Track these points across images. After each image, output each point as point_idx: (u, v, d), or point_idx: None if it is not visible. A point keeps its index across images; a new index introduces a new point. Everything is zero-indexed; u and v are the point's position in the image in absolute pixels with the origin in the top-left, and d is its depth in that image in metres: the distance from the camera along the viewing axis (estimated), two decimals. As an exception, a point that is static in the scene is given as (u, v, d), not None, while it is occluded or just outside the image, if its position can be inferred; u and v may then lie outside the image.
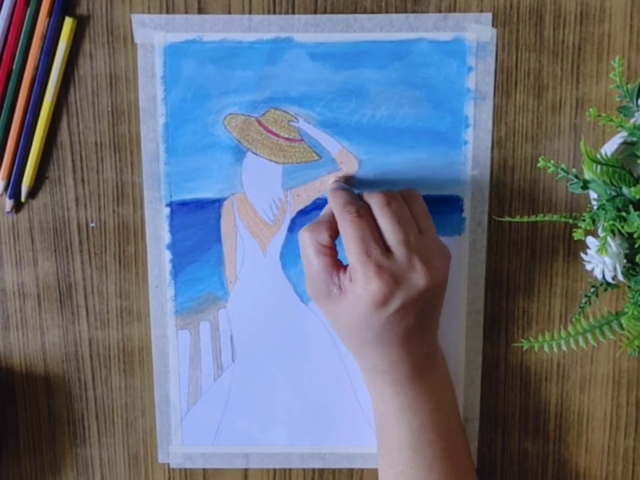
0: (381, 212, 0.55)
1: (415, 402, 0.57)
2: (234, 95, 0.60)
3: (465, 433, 0.61)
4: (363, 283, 0.53)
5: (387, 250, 0.54)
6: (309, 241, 0.56)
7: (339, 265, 0.56)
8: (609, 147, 0.56)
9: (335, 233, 0.56)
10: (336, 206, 0.56)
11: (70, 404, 0.64)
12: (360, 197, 0.57)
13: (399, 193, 0.57)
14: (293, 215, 0.61)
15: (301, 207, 0.61)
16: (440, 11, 0.59)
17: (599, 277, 0.54)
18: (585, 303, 0.58)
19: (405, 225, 0.55)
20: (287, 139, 0.60)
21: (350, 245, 0.54)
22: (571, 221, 0.58)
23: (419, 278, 0.54)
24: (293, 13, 0.59)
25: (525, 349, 0.59)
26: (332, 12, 0.59)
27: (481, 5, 0.59)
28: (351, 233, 0.54)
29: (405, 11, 0.59)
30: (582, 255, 0.56)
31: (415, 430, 0.57)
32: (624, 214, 0.52)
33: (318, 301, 0.57)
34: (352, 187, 0.60)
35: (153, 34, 0.59)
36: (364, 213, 0.54)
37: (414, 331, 0.55)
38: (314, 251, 0.55)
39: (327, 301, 0.56)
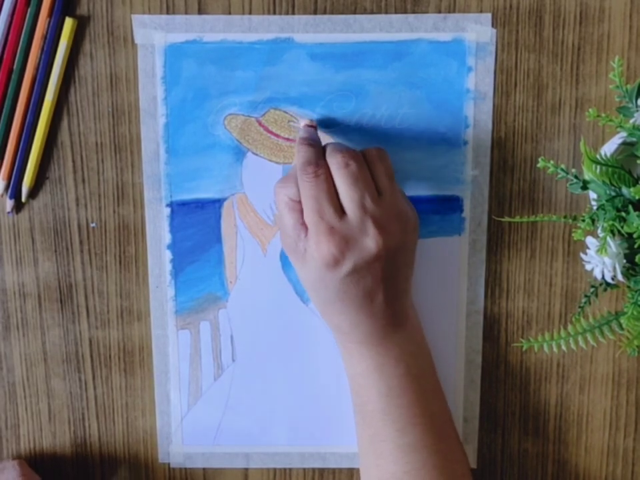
0: (338, 172, 0.54)
1: (382, 365, 0.57)
2: (234, 95, 0.60)
3: (444, 398, 0.60)
4: (314, 244, 0.54)
5: (342, 212, 0.54)
6: (280, 196, 0.56)
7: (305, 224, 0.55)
8: (609, 147, 0.57)
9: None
10: (297, 163, 0.55)
11: (70, 404, 0.64)
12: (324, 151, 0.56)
13: (363, 153, 0.56)
14: (293, 215, 0.61)
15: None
16: (440, 12, 0.59)
17: (599, 277, 0.54)
18: (585, 302, 0.58)
19: (361, 186, 0.54)
20: (287, 139, 0.61)
21: (305, 205, 0.54)
22: (570, 221, 0.58)
23: (369, 242, 0.53)
24: (293, 13, 0.59)
25: (524, 348, 0.59)
26: (332, 12, 0.59)
27: (481, 5, 0.59)
28: (307, 193, 0.54)
29: (405, 11, 0.59)
30: (582, 255, 0.56)
31: (383, 394, 0.57)
32: (623, 214, 0.52)
33: (289, 256, 0.57)
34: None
35: (153, 34, 0.59)
36: (321, 173, 0.54)
37: (375, 293, 0.55)
38: (285, 206, 0.55)
39: (294, 257, 0.56)
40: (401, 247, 0.55)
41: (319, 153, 0.55)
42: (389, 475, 0.57)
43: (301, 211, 0.55)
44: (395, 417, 0.57)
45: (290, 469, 0.65)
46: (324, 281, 0.55)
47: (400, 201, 0.56)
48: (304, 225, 0.55)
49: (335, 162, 0.54)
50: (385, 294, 0.55)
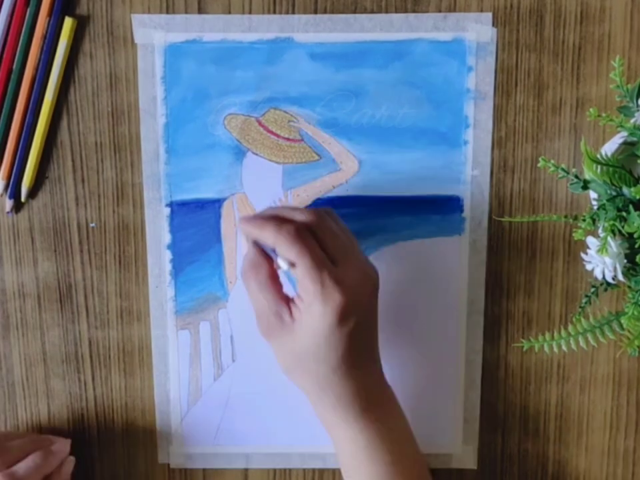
0: (320, 227, 0.53)
1: (384, 434, 0.55)
2: (234, 95, 0.60)
3: (423, 456, 0.59)
4: (321, 300, 0.51)
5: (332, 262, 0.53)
6: (253, 282, 0.54)
7: (286, 297, 0.54)
8: (609, 147, 0.56)
9: (272, 267, 0.54)
10: (266, 229, 0.53)
11: (69, 404, 0.64)
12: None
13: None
14: (293, 215, 0.61)
15: (301, 207, 0.61)
16: (440, 11, 0.59)
17: (599, 276, 0.54)
18: (585, 303, 0.58)
19: (342, 236, 0.54)
20: (287, 138, 0.60)
21: (300, 266, 0.51)
22: (571, 221, 0.58)
23: (368, 283, 0.53)
24: (293, 13, 0.59)
25: (524, 349, 0.59)
26: (332, 12, 0.59)
27: (481, 4, 0.59)
28: (298, 253, 0.51)
29: (405, 11, 0.59)
30: (582, 254, 0.56)
31: (388, 463, 0.55)
32: (624, 214, 0.52)
33: (270, 336, 0.54)
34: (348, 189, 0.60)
35: (153, 34, 0.59)
36: (303, 228, 0.52)
37: (367, 349, 0.55)
38: (260, 288, 0.54)
39: (280, 333, 0.54)
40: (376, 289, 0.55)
41: (287, 215, 0.54)
42: None
43: (277, 286, 0.54)
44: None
45: (290, 469, 0.65)
46: (329, 343, 0.52)
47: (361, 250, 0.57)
48: (284, 298, 0.54)
49: (311, 219, 0.53)
50: (377, 339, 0.56)
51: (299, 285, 0.53)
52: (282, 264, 0.53)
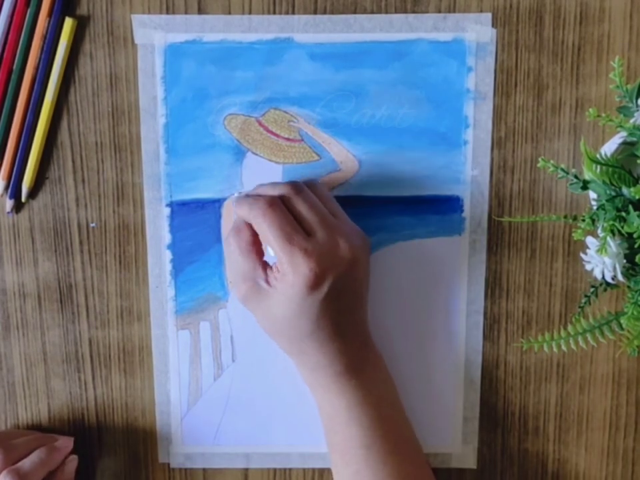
0: (294, 199, 0.55)
1: (362, 398, 0.57)
2: (234, 95, 0.60)
3: (410, 424, 0.60)
4: (291, 270, 0.53)
5: (307, 234, 0.54)
6: (234, 244, 0.56)
7: (265, 263, 0.56)
8: (609, 147, 0.56)
9: (255, 235, 0.56)
10: (243, 206, 0.55)
11: (70, 404, 0.64)
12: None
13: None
14: (293, 215, 0.61)
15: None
16: (440, 11, 0.59)
17: (599, 277, 0.54)
18: (585, 302, 0.58)
19: (319, 207, 0.55)
20: (287, 139, 0.61)
21: (270, 238, 0.53)
22: (570, 221, 0.58)
23: (344, 253, 0.54)
24: (293, 13, 0.59)
25: (524, 348, 0.59)
26: (332, 12, 0.59)
27: (481, 5, 0.59)
28: (268, 225, 0.53)
29: (405, 11, 0.59)
30: (582, 255, 0.56)
31: (365, 427, 0.57)
32: (624, 214, 0.52)
33: (248, 300, 0.56)
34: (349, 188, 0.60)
35: (153, 34, 0.59)
36: (274, 202, 0.54)
37: (347, 317, 0.55)
38: (240, 252, 0.55)
39: (256, 302, 0.56)
40: (364, 259, 0.56)
41: (265, 192, 0.56)
42: None
43: (257, 252, 0.56)
44: (377, 449, 0.57)
45: (290, 469, 0.65)
46: (304, 308, 0.54)
47: (351, 222, 0.57)
48: (262, 265, 0.55)
49: (286, 191, 0.55)
50: (353, 317, 0.56)
51: (274, 254, 0.54)
52: (268, 250, 0.56)
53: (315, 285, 0.53)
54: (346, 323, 0.56)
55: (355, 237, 0.56)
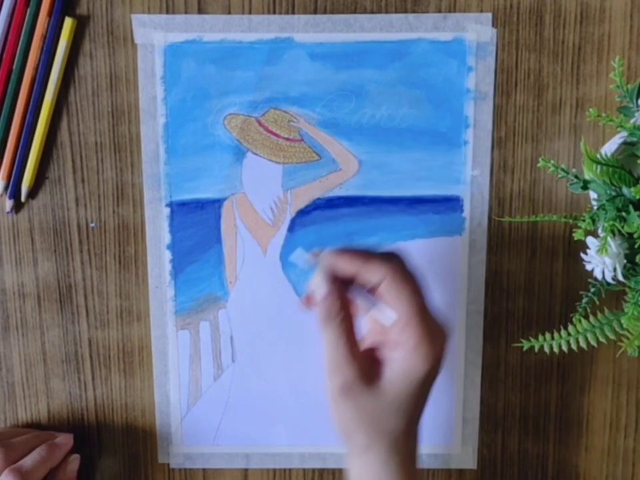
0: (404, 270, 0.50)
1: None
2: (234, 95, 0.60)
3: None
4: (429, 342, 0.48)
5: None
6: (331, 329, 0.50)
7: (370, 349, 0.51)
8: (609, 147, 0.56)
9: (352, 315, 0.51)
10: (377, 266, 0.49)
11: (69, 404, 0.64)
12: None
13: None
14: (293, 215, 0.61)
15: (301, 207, 0.61)
16: (440, 11, 0.59)
17: (599, 277, 0.54)
18: (585, 303, 0.58)
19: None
20: (287, 139, 0.60)
21: (408, 305, 0.49)
22: (571, 221, 0.58)
23: (443, 335, 0.51)
24: (293, 13, 0.59)
25: (524, 349, 0.59)
26: (332, 12, 0.59)
27: (481, 5, 0.59)
28: (410, 292, 0.49)
29: (405, 11, 0.59)
30: (582, 255, 0.56)
31: None
32: (624, 214, 0.52)
33: (347, 396, 0.49)
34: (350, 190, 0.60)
35: (153, 34, 0.59)
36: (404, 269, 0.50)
37: (428, 394, 0.52)
38: (337, 338, 0.50)
39: (361, 391, 0.49)
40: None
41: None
42: None
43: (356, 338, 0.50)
44: None
45: (290, 469, 0.65)
46: (422, 391, 0.49)
47: None
48: (367, 352, 0.51)
49: (387, 271, 0.49)
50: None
51: (395, 330, 0.49)
52: (387, 313, 0.50)
53: (441, 363, 0.49)
54: (422, 407, 0.51)
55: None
